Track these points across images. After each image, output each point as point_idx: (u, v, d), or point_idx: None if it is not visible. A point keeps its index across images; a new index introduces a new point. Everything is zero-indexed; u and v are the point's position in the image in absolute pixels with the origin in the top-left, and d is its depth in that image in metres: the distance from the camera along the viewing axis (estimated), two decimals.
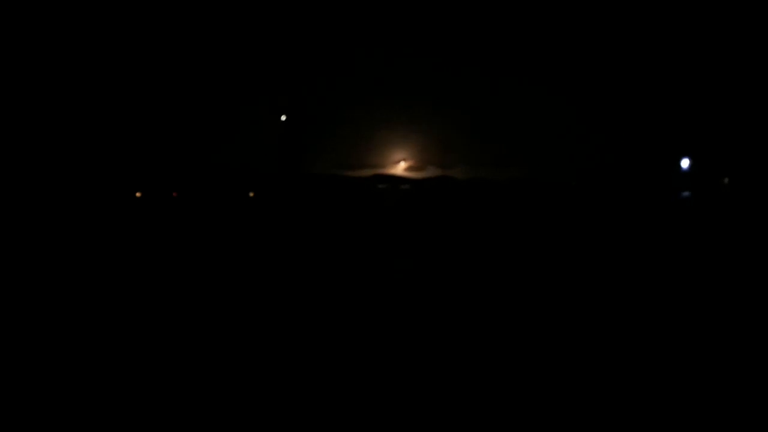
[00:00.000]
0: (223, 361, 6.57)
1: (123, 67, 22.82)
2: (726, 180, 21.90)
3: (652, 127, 22.03)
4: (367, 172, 26.08)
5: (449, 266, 13.33)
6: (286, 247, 15.85)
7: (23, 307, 8.51)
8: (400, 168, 26.57)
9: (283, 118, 25.06)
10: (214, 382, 6.06)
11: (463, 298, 9.95)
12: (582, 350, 7.23)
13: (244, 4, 23.90)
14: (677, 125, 21.57)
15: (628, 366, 6.75)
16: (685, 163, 22.20)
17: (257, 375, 6.21)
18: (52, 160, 20.93)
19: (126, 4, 22.50)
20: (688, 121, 21.35)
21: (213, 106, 23.86)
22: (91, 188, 20.51)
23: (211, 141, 24.05)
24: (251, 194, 23.78)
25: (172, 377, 6.17)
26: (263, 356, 6.75)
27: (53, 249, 13.52)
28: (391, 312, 8.82)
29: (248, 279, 11.00)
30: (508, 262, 13.98)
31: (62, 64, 21.78)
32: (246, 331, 7.62)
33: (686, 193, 22.84)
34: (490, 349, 7.20)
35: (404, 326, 8.08)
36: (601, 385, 6.38)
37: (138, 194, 21.20)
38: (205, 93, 23.89)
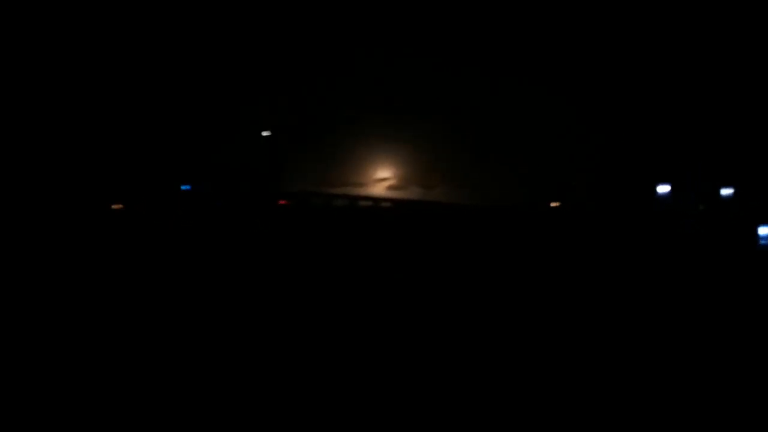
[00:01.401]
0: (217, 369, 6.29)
1: (120, 66, 22.12)
2: (728, 185, 22.31)
3: (653, 129, 22.32)
4: (347, 191, 25.75)
5: (432, 284, 13.21)
6: (267, 265, 15.48)
7: (23, 312, 7.99)
8: (382, 187, 26.32)
9: (265, 133, 24.58)
10: (211, 385, 5.78)
11: (444, 317, 9.83)
12: (581, 362, 7.10)
13: (231, 8, 23.40)
14: (679, 127, 21.91)
15: (623, 377, 6.63)
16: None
17: (250, 382, 5.98)
18: (50, 161, 20.19)
19: (122, 4, 21.76)
20: (690, 123, 21.71)
21: (208, 106, 23.31)
22: (87, 189, 19.89)
23: (209, 141, 23.48)
24: (230, 209, 23.21)
25: (168, 383, 5.85)
26: (253, 369, 6.49)
27: (53, 250, 12.91)
28: (370, 329, 8.65)
29: (234, 296, 10.67)
30: (491, 281, 13.89)
31: (58, 64, 20.98)
32: (235, 343, 7.34)
33: (688, 199, 23.22)
34: (479, 370, 7.04)
35: (384, 346, 7.89)
36: (592, 392, 6.25)
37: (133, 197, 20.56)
38: (200, 93, 23.33)
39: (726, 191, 21.33)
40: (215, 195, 22.92)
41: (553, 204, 27.21)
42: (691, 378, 6.34)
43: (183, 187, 23.26)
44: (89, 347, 6.79)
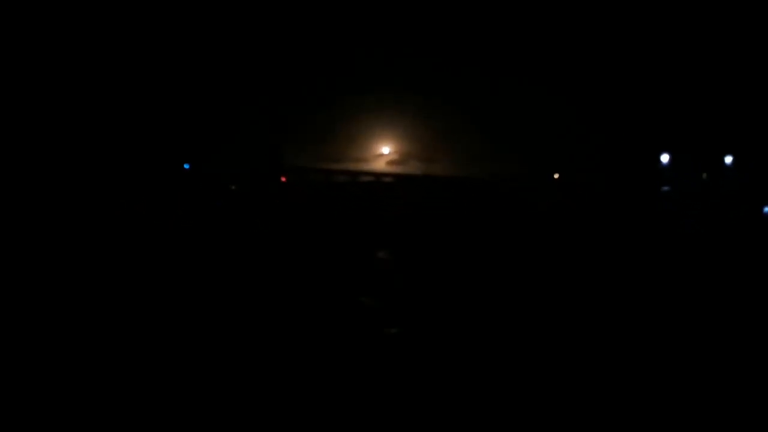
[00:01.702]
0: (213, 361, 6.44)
1: (115, 66, 22.27)
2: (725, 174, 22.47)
3: (650, 127, 22.46)
4: (349, 166, 25.94)
5: (432, 260, 13.39)
6: (269, 242, 15.70)
7: (23, 308, 8.22)
8: (383, 162, 26.50)
9: (266, 112, 24.77)
10: (207, 382, 5.93)
11: (445, 293, 9.98)
12: (571, 346, 7.26)
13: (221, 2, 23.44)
14: (677, 125, 22.04)
15: (617, 363, 6.78)
16: (668, 158, 22.70)
17: (247, 374, 6.11)
18: (47, 162, 20.33)
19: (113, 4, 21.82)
20: (688, 119, 21.84)
21: (197, 106, 23.44)
22: (85, 188, 20.07)
23: (210, 120, 23.67)
24: (233, 187, 23.45)
25: (166, 379, 5.99)
26: (250, 354, 6.63)
27: (50, 251, 13.12)
28: (371, 305, 8.83)
29: (233, 275, 10.86)
30: (491, 257, 14.06)
31: (53, 65, 21.09)
32: (232, 327, 7.51)
33: (666, 188, 23.37)
34: (472, 345, 7.21)
35: (382, 321, 8.06)
36: (585, 374, 6.40)
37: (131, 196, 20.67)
38: (190, 93, 23.47)
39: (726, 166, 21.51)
40: (216, 173, 23.17)
41: (555, 176, 27.33)
42: (693, 372, 6.45)
43: (184, 166, 23.55)
44: (95, 342, 6.91)
